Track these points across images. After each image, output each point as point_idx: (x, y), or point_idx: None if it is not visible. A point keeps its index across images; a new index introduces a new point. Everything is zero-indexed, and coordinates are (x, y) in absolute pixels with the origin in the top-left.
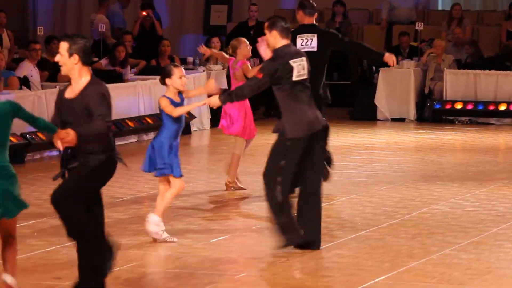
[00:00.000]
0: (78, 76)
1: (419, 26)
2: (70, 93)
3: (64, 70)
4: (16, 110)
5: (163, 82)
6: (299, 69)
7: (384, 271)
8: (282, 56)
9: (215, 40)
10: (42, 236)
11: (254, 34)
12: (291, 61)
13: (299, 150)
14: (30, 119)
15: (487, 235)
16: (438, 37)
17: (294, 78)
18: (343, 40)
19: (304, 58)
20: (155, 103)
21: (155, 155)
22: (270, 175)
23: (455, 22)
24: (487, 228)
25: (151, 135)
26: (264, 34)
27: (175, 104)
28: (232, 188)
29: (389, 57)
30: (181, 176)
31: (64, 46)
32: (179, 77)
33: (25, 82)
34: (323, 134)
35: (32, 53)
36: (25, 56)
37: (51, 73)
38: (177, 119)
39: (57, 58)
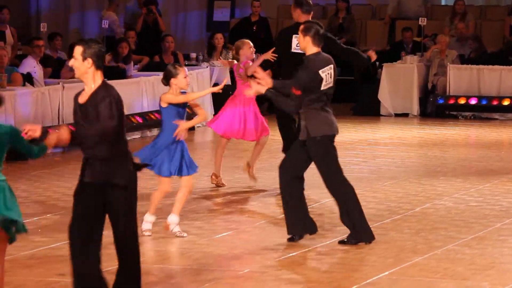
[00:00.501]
0: (91, 80)
1: (422, 21)
2: (82, 98)
3: (77, 74)
4: (14, 135)
5: (167, 83)
6: (327, 78)
7: (388, 266)
8: (312, 66)
9: (219, 36)
10: (46, 233)
11: (257, 29)
12: (320, 71)
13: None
14: (26, 148)
15: (491, 230)
16: (441, 32)
17: (323, 88)
18: (338, 46)
19: (332, 66)
20: (158, 99)
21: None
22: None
23: (458, 17)
24: (490, 223)
25: (155, 131)
26: (265, 30)
27: (177, 106)
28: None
29: (371, 53)
30: (168, 175)
31: (78, 50)
32: (184, 76)
33: (28, 79)
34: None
35: (35, 50)
36: (28, 52)
37: (54, 69)
38: (178, 118)
39: (71, 62)
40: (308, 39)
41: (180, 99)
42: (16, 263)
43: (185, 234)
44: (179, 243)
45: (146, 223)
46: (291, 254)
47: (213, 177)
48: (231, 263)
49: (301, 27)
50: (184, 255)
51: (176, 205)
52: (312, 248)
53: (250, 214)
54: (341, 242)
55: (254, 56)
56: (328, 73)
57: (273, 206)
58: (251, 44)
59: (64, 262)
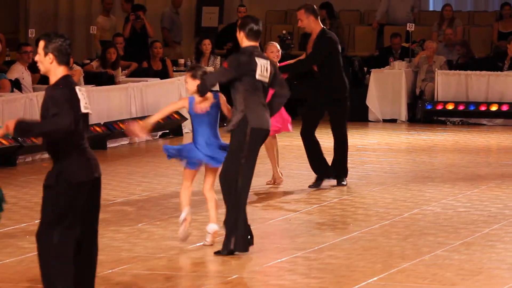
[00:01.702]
0: (53, 76)
1: (410, 27)
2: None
3: (41, 69)
4: None
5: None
6: (262, 69)
7: (376, 272)
8: (248, 53)
9: (206, 42)
10: (34, 239)
11: None
12: (256, 58)
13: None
14: None
15: (479, 236)
16: (429, 38)
17: (258, 77)
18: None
19: (269, 62)
20: (147, 105)
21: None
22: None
23: (446, 23)
24: (478, 229)
25: (143, 138)
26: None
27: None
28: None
29: None
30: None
31: (41, 44)
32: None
33: (16, 85)
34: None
35: (24, 56)
36: (16, 58)
37: (43, 75)
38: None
39: (36, 57)
40: (242, 34)
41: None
42: (4, 269)
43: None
44: (167, 249)
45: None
46: (279, 260)
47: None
48: (219, 269)
49: (238, 22)
50: (172, 261)
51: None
52: (301, 253)
53: None
54: (217, 253)
55: (277, 59)
56: (263, 65)
57: (262, 212)
58: (277, 47)
59: None
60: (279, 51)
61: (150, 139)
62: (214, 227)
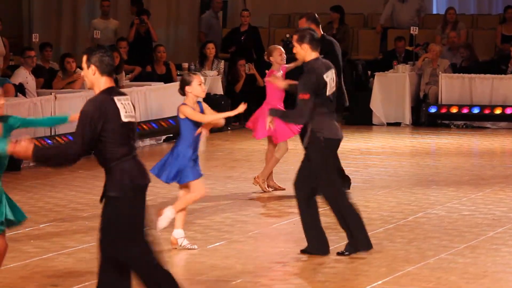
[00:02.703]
0: (97, 88)
1: (414, 30)
2: None
3: (87, 83)
4: None
5: (182, 92)
6: (330, 82)
7: (381, 276)
8: (316, 69)
9: (210, 46)
10: (38, 243)
11: (246, 39)
12: (324, 76)
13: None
14: None
15: (484, 239)
16: (433, 41)
17: (328, 93)
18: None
19: (333, 70)
20: (151, 109)
21: (170, 162)
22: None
23: (449, 26)
24: (483, 232)
25: (147, 142)
26: (254, 40)
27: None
28: (257, 185)
29: None
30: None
31: (84, 59)
32: (198, 83)
33: (20, 89)
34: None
35: (28, 60)
36: (20, 63)
37: (47, 79)
38: (195, 129)
39: (82, 72)
40: (305, 46)
41: (197, 117)
42: (8, 274)
43: (195, 246)
44: (172, 253)
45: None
46: (284, 264)
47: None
48: (223, 273)
49: (295, 36)
50: (177, 265)
51: (178, 219)
52: (305, 257)
53: (242, 224)
54: (340, 254)
55: (284, 62)
56: (331, 78)
57: (266, 216)
58: (282, 50)
59: (57, 273)
60: (284, 53)
61: (154, 143)
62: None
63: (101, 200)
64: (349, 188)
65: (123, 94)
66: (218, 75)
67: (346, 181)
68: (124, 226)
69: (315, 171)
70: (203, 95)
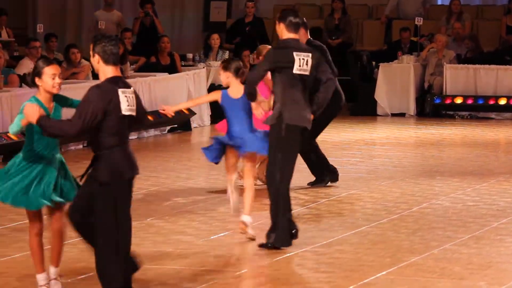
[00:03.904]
0: (102, 75)
1: (419, 21)
2: None
3: (95, 70)
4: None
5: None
6: (302, 63)
7: (385, 266)
8: (285, 47)
9: (215, 37)
10: (43, 234)
11: (250, 30)
12: (295, 53)
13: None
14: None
15: (488, 230)
16: (438, 32)
17: (295, 71)
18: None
19: (310, 55)
20: (155, 99)
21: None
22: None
23: (454, 17)
24: (487, 223)
25: (152, 132)
26: (259, 31)
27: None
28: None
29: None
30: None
31: (91, 47)
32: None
33: (25, 80)
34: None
35: (32, 51)
36: (25, 53)
37: None
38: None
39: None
40: (281, 26)
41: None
42: (13, 264)
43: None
44: (175, 244)
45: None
46: (288, 254)
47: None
48: (228, 264)
49: (278, 15)
50: (181, 255)
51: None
52: (310, 248)
53: None
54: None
55: None
56: (303, 59)
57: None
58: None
59: (62, 263)
60: None
61: (158, 134)
62: (247, 219)
63: (81, 178)
64: (336, 180)
65: (128, 86)
66: None
67: (332, 173)
68: (106, 212)
69: (270, 149)
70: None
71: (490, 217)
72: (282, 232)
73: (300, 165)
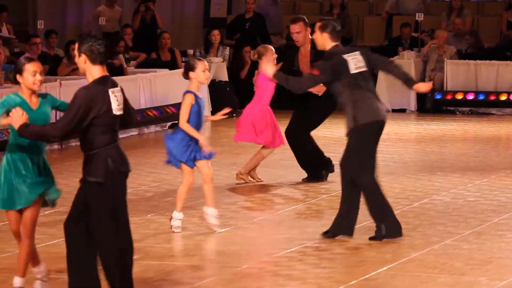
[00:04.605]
0: (89, 76)
1: (419, 16)
2: None
3: (80, 70)
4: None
5: (186, 76)
6: (356, 61)
7: (386, 262)
8: (336, 53)
9: (216, 33)
10: (44, 230)
11: (250, 26)
12: (345, 56)
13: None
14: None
15: (489, 225)
16: (438, 27)
17: (353, 71)
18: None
19: (358, 52)
20: (156, 95)
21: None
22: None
23: (455, 13)
24: (488, 218)
25: (152, 128)
26: (260, 27)
27: (199, 100)
28: (242, 181)
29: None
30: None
31: (76, 46)
32: (203, 70)
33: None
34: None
35: (33, 47)
36: (25, 50)
37: (51, 67)
38: (195, 118)
39: (75, 58)
40: (325, 35)
41: (182, 113)
42: (14, 260)
43: (179, 230)
44: (177, 240)
45: (175, 220)
46: (289, 250)
47: (241, 173)
48: (229, 259)
49: (318, 24)
50: (182, 251)
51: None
52: (310, 243)
53: (247, 211)
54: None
55: (275, 63)
56: (355, 58)
57: (270, 202)
58: (273, 50)
59: (62, 259)
60: (275, 52)
61: (159, 130)
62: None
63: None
64: (332, 171)
65: (116, 85)
66: (223, 61)
67: (327, 164)
68: (105, 211)
69: (350, 152)
70: (205, 81)
71: (491, 212)
72: (392, 223)
73: None
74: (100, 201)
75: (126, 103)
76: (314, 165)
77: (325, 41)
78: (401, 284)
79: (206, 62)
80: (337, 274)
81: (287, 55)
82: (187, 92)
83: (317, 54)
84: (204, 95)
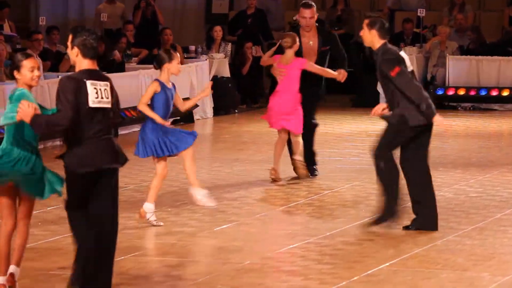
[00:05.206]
0: (78, 68)
1: (421, 12)
2: None
3: (71, 62)
4: None
5: (158, 67)
6: (407, 60)
7: (388, 257)
8: (389, 49)
9: (217, 29)
10: (46, 226)
11: (252, 22)
12: (401, 53)
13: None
14: None
15: (491, 221)
16: (440, 23)
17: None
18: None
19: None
20: None
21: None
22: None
23: (456, 8)
24: (490, 214)
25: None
26: (261, 23)
27: (167, 90)
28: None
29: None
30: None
31: (69, 38)
32: (177, 62)
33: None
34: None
35: (35, 43)
36: (27, 46)
37: (53, 63)
38: (164, 105)
39: (67, 49)
40: (374, 32)
41: (143, 98)
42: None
43: (161, 223)
44: (179, 236)
45: (150, 213)
46: (291, 246)
47: (272, 171)
48: (231, 255)
49: (366, 21)
50: (184, 247)
51: (150, 193)
52: (313, 239)
53: (250, 207)
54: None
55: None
56: (405, 56)
57: (273, 198)
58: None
59: (64, 256)
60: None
61: None
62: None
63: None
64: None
65: (103, 79)
66: (225, 57)
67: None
68: (73, 198)
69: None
70: (178, 74)
71: (493, 208)
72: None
73: None
74: (69, 193)
75: (115, 97)
76: (306, 160)
77: (373, 38)
78: (403, 280)
79: (178, 55)
80: (339, 270)
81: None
82: (156, 80)
83: (326, 40)
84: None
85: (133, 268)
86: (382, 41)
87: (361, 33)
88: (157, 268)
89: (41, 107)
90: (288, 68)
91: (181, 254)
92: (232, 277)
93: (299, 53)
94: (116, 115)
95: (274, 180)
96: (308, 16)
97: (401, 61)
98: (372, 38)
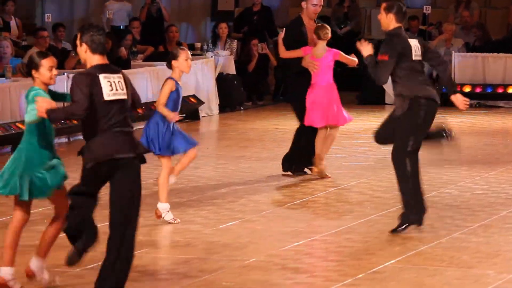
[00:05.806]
0: (89, 65)
1: (427, 9)
2: None
3: (81, 59)
4: None
5: (169, 66)
6: (416, 49)
7: (394, 255)
8: (399, 35)
9: (223, 26)
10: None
11: (258, 19)
12: (410, 40)
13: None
14: None
15: (497, 218)
16: (446, 20)
17: (414, 58)
18: None
19: (417, 40)
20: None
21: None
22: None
23: (462, 5)
24: (496, 211)
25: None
26: (267, 20)
27: (179, 88)
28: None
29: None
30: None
31: (78, 36)
32: (185, 59)
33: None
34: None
35: (40, 41)
36: (33, 43)
37: (59, 60)
38: (172, 105)
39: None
40: (391, 16)
41: (160, 100)
42: (23, 252)
43: (178, 220)
44: (184, 233)
45: (165, 213)
46: (296, 243)
47: (315, 169)
48: (236, 253)
49: (384, 4)
50: (190, 244)
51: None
52: (318, 237)
53: (255, 204)
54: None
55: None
56: (416, 45)
57: (278, 195)
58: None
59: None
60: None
61: None
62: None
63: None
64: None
65: (115, 71)
66: (231, 54)
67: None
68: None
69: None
70: (188, 71)
71: (499, 205)
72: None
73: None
74: (82, 181)
75: (130, 88)
76: (302, 160)
77: (390, 22)
78: (409, 277)
79: (188, 52)
80: (344, 267)
81: (292, 25)
82: (169, 78)
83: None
84: (212, 88)
85: (139, 265)
86: (397, 25)
87: (379, 17)
88: (163, 265)
89: (55, 93)
90: (321, 61)
91: (186, 251)
92: (237, 275)
93: (304, 42)
94: (138, 103)
95: (322, 177)
96: (319, 3)
97: (399, 54)
98: (389, 22)
